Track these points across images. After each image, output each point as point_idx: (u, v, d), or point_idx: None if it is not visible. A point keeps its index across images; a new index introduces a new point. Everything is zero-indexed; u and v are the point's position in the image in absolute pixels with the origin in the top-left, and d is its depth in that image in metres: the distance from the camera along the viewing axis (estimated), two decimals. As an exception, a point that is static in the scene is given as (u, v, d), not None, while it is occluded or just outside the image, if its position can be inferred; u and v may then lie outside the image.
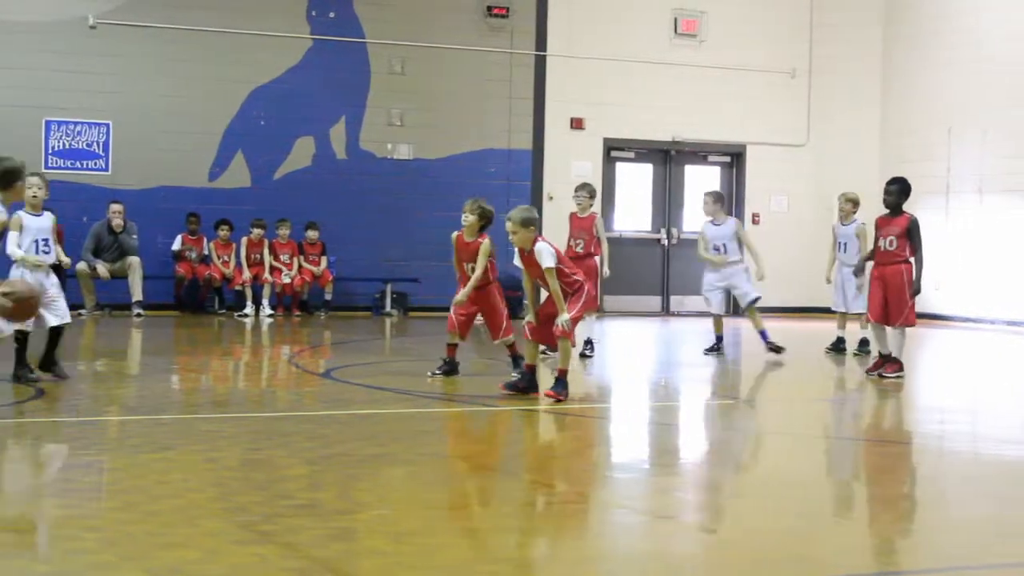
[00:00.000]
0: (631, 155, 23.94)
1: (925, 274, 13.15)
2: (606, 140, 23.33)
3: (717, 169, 24.46)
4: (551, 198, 22.26)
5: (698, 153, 24.27)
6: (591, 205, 14.55)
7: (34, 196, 11.20)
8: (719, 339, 15.47)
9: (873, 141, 24.43)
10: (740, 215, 24.18)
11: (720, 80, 23.67)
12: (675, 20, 23.67)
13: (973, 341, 19.60)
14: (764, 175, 24.22)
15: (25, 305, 9.82)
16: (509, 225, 10.73)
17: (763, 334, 15.18)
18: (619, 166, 23.80)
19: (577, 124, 23.02)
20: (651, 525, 6.55)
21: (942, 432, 10.36)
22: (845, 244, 15.70)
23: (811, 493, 7.55)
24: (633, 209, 23.95)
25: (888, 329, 13.08)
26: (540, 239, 10.70)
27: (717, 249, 15.52)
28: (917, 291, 12.98)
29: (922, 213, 22.44)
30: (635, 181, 23.93)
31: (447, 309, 12.29)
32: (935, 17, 23.69)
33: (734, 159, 24.41)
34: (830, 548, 6.09)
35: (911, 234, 13.00)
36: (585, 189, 14.71)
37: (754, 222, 23.76)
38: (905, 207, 13.30)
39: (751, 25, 24.10)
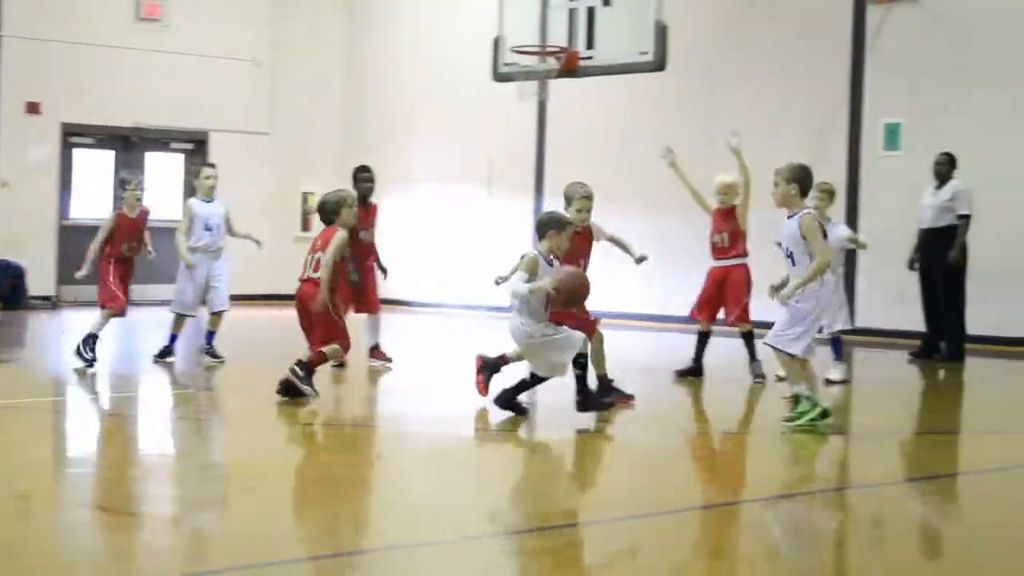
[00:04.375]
0: (91, 141, 23.14)
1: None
2: (64, 125, 22.45)
3: (181, 156, 24.04)
4: (6, 184, 21.27)
5: (160, 140, 23.78)
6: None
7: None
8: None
9: (337, 129, 24.76)
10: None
11: (184, 65, 23.21)
12: (137, 3, 23.07)
13: (433, 325, 20.22)
14: (228, 163, 24.03)
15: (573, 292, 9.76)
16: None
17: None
18: (77, 152, 22.96)
19: (33, 108, 22.01)
20: None
21: (405, 416, 10.62)
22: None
23: None
24: (92, 195, 23.10)
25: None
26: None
27: None
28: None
29: (387, 201, 23.00)
30: (95, 167, 23.12)
31: None
32: (395, 7, 24.36)
33: (197, 146, 24.07)
34: None
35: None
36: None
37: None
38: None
39: (216, 10, 23.79)
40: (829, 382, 12.21)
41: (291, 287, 11.94)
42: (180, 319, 13.81)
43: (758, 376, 12.43)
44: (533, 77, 16.68)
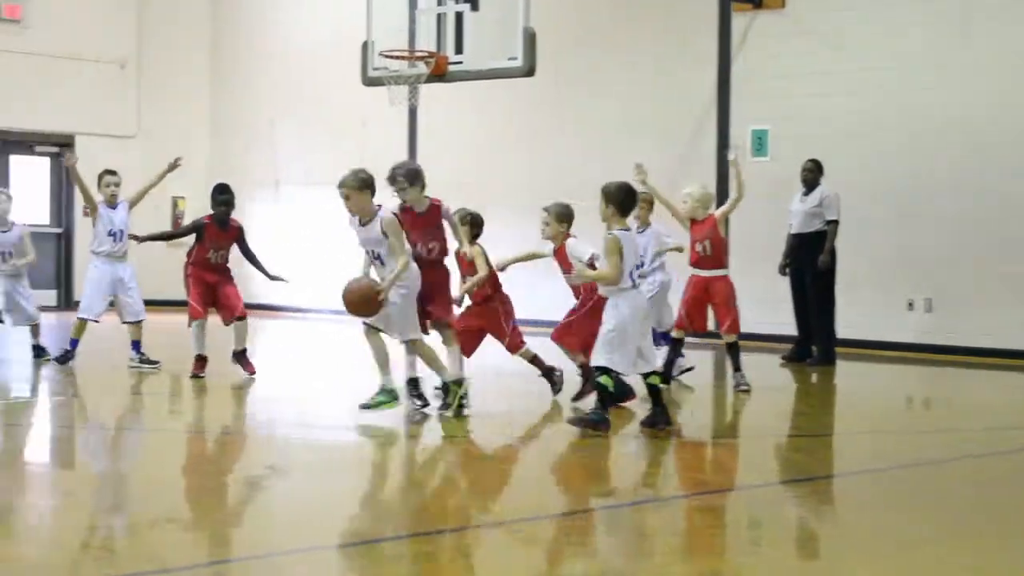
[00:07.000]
0: (-47, 144, 22.67)
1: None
2: (-78, 128, 21.94)
3: (47, 160, 23.63)
4: None
5: (24, 143, 23.34)
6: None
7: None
8: None
9: (203, 134, 24.51)
10: (70, 210, 23.38)
11: (47, 68, 22.84)
12: (-2, 5, 22.67)
13: (304, 331, 20.02)
14: (96, 167, 23.65)
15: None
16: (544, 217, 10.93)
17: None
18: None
19: None
20: None
21: (270, 421, 10.51)
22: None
23: None
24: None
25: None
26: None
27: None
28: None
29: (253, 205, 22.72)
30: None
31: None
32: (261, 11, 24.22)
33: (63, 149, 23.66)
34: None
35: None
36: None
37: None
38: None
39: (79, 12, 23.44)
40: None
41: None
42: (83, 324, 13.77)
43: (743, 386, 12.42)
44: (402, 82, 16.61)
